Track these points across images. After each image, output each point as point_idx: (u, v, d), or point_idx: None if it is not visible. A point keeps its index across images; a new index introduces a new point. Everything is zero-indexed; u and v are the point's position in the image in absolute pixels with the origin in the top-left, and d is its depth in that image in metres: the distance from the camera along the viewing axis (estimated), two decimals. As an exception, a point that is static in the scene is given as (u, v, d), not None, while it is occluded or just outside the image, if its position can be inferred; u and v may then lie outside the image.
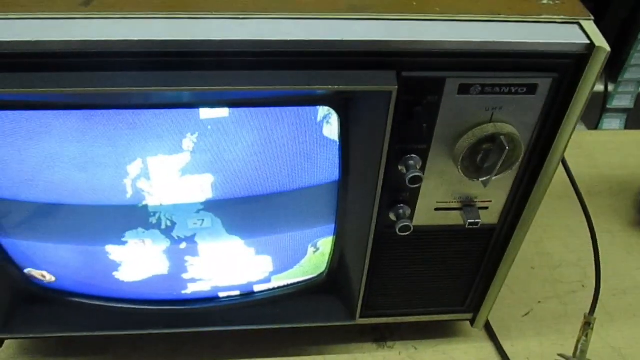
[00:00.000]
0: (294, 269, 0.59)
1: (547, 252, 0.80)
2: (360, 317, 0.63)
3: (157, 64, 0.41)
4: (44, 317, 0.61)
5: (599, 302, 0.61)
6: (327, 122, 0.47)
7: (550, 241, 0.81)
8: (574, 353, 0.62)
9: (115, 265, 0.55)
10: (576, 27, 0.43)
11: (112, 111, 0.43)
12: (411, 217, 0.52)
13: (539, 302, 0.74)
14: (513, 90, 0.44)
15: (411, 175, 0.46)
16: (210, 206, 0.50)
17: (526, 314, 0.73)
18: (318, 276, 0.61)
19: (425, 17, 0.43)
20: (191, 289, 0.59)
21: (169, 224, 0.51)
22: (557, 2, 0.45)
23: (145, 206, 0.49)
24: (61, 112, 0.43)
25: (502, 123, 0.45)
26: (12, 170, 0.46)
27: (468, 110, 0.45)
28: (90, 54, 0.40)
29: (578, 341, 0.62)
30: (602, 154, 0.95)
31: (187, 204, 0.50)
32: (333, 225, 0.55)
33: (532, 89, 0.44)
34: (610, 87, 1.08)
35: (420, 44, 0.41)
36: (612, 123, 1.11)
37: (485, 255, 0.58)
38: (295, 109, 0.46)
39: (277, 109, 0.45)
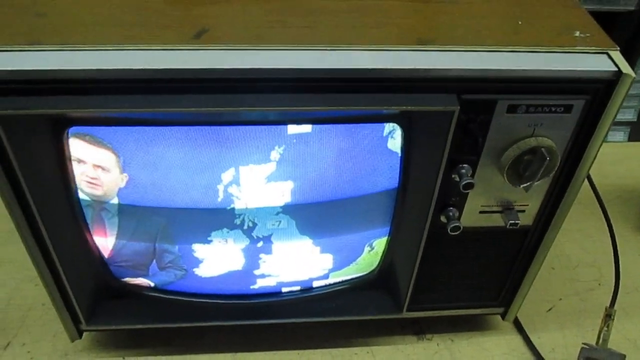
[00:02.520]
0: (350, 267, 0.67)
1: (566, 254, 0.88)
2: (407, 310, 0.70)
3: (252, 89, 0.49)
4: (123, 311, 0.68)
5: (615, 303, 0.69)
6: (392, 137, 0.55)
7: (568, 244, 0.89)
8: (597, 342, 0.69)
9: (197, 262, 0.62)
10: (605, 56, 0.52)
11: (214, 127, 0.51)
12: (459, 219, 0.60)
13: (560, 299, 0.82)
14: (552, 110, 0.52)
15: (465, 182, 0.54)
16: (287, 209, 0.58)
17: (549, 310, 0.80)
18: (370, 273, 0.69)
19: (479, 49, 0.51)
20: (259, 284, 0.66)
21: (250, 224, 0.58)
22: (588, 35, 0.53)
23: (233, 209, 0.57)
24: (175, 127, 0.50)
25: (542, 137, 0.53)
26: (130, 179, 0.53)
27: (514, 127, 0.53)
28: (203, 80, 0.48)
29: (600, 331, 0.69)
30: (610, 165, 1.04)
31: (269, 207, 0.57)
32: (388, 227, 0.63)
33: (568, 109, 0.52)
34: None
35: (477, 71, 0.50)
36: (616, 135, 1.19)
37: (520, 254, 0.65)
38: (365, 125, 0.53)
39: (351, 126, 0.53)
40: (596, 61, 0.51)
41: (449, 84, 0.50)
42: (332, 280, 0.68)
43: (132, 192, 0.55)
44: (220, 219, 0.58)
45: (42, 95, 0.46)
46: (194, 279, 0.64)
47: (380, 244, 0.65)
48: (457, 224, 0.58)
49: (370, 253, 0.66)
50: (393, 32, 0.53)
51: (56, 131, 0.50)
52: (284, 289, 0.68)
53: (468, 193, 0.58)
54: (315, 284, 0.68)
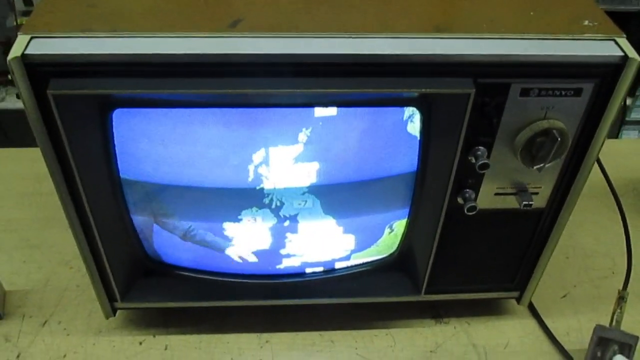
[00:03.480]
0: (371, 248, 0.70)
1: (580, 244, 0.90)
2: (425, 293, 0.73)
3: (284, 72, 0.53)
4: (156, 289, 0.72)
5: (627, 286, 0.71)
6: (411, 121, 0.59)
7: (582, 235, 0.92)
8: (610, 323, 0.72)
9: (227, 240, 0.66)
10: (612, 42, 0.55)
11: (246, 109, 0.55)
12: (475, 200, 0.63)
13: (575, 286, 0.84)
14: (563, 93, 0.55)
15: (480, 162, 0.58)
16: (313, 189, 0.62)
17: (564, 296, 0.83)
18: (389, 255, 0.72)
19: (494, 36, 0.54)
20: (284, 264, 0.70)
21: (278, 204, 0.62)
22: (595, 23, 0.57)
23: (262, 189, 0.61)
24: (211, 109, 0.55)
25: (554, 120, 0.57)
26: (167, 159, 0.58)
27: (527, 110, 0.56)
28: (238, 64, 0.52)
29: (613, 313, 0.72)
30: (624, 160, 1.06)
31: (295, 187, 0.61)
32: (408, 209, 0.67)
33: (578, 92, 0.55)
34: (629, 101, 1.19)
35: (492, 56, 0.53)
36: (630, 133, 1.22)
37: (534, 236, 0.68)
38: (387, 109, 0.57)
39: (373, 110, 0.57)
40: (604, 47, 0.54)
41: (465, 68, 0.53)
42: (353, 261, 0.72)
43: (169, 172, 0.59)
44: (250, 198, 0.62)
45: (93, 78, 0.51)
46: (224, 258, 0.68)
47: (399, 225, 0.68)
48: (473, 204, 0.62)
49: (390, 235, 0.69)
50: (413, 21, 0.57)
51: (103, 112, 0.55)
52: (308, 270, 0.72)
53: (484, 174, 0.61)
54: (338, 265, 0.72)
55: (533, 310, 0.80)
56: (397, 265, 0.73)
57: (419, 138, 0.60)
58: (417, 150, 0.61)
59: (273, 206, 0.63)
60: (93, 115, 0.55)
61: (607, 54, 0.54)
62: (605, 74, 0.55)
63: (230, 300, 0.72)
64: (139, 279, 0.72)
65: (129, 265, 0.70)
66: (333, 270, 0.72)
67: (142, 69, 0.51)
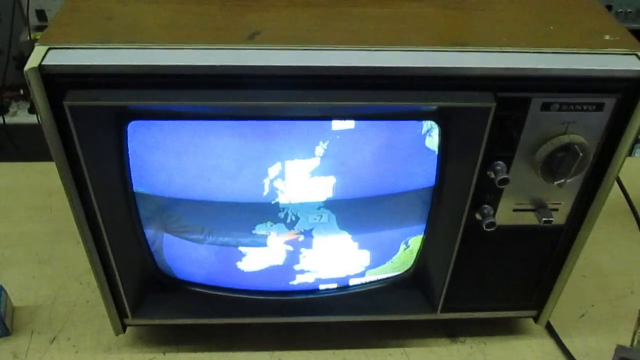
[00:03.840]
0: (386, 265, 0.69)
1: (597, 262, 0.89)
2: (441, 311, 0.72)
3: (301, 85, 0.52)
4: (167, 306, 0.71)
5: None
6: (429, 135, 0.58)
7: (598, 253, 0.90)
8: (631, 343, 0.70)
9: (240, 256, 0.65)
10: (634, 57, 0.54)
11: (263, 122, 0.55)
12: (493, 216, 0.62)
13: (592, 305, 0.82)
14: (585, 108, 0.54)
15: (500, 178, 0.57)
16: (329, 204, 0.61)
17: (582, 316, 0.81)
18: (405, 272, 0.71)
19: (513, 50, 0.54)
20: (298, 280, 0.69)
21: (293, 218, 0.61)
22: (617, 38, 0.56)
23: (277, 203, 0.60)
24: (225, 122, 0.54)
25: (575, 135, 0.56)
26: (181, 172, 0.57)
27: (547, 124, 0.55)
28: (256, 76, 0.51)
29: (634, 333, 0.70)
30: (636, 179, 1.05)
31: (311, 202, 0.60)
32: (424, 225, 0.65)
33: (600, 107, 0.54)
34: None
35: (512, 70, 0.53)
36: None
37: (553, 253, 0.67)
38: (405, 123, 0.57)
39: (391, 123, 0.56)
40: (626, 61, 0.54)
41: (485, 82, 0.53)
42: (368, 278, 0.70)
43: (183, 185, 0.58)
44: (265, 212, 0.61)
45: (109, 89, 0.50)
46: (236, 273, 0.67)
47: (415, 242, 0.67)
48: (492, 220, 0.60)
49: (406, 251, 0.68)
50: (431, 36, 0.56)
51: (118, 124, 0.54)
52: (321, 286, 0.70)
53: (502, 190, 0.60)
54: (352, 281, 0.71)
55: (551, 330, 0.78)
56: (413, 282, 0.72)
57: (437, 153, 0.59)
58: (435, 165, 0.60)
59: (288, 221, 0.62)
60: (108, 127, 0.54)
61: (630, 68, 0.53)
62: (627, 88, 0.54)
63: (242, 317, 0.71)
64: (150, 295, 0.71)
65: (140, 281, 0.69)
66: (347, 287, 0.71)
67: (159, 81, 0.51)
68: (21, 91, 1.80)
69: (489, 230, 0.61)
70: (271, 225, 0.62)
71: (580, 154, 0.55)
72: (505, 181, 0.57)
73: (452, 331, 0.78)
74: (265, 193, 0.59)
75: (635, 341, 0.70)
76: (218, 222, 0.62)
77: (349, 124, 0.55)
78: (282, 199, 0.60)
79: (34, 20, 1.53)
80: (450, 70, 0.52)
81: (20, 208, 0.96)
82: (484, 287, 0.70)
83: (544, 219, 0.61)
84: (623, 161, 0.59)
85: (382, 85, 0.53)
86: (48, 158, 0.55)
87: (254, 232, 0.62)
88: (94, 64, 0.49)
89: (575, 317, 0.81)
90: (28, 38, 1.47)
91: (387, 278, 0.71)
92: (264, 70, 0.51)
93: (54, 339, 0.76)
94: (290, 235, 0.63)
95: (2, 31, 1.65)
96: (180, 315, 0.71)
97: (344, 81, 0.52)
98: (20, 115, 1.81)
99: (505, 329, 0.78)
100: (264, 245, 0.64)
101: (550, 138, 0.56)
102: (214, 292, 0.70)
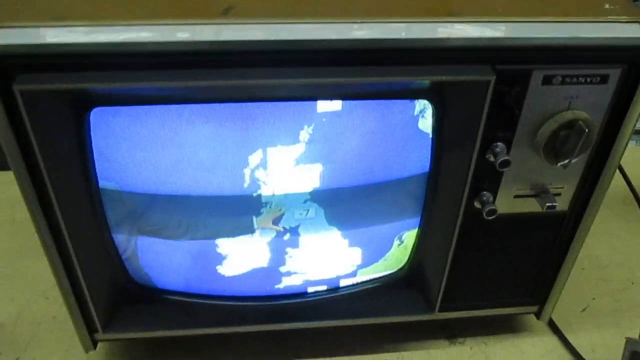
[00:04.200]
0: (379, 263, 0.64)
1: (596, 254, 0.85)
2: (439, 310, 0.67)
3: (281, 62, 0.47)
4: (141, 318, 0.65)
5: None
6: (422, 116, 0.53)
7: (597, 245, 0.86)
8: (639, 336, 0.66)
9: (220, 259, 0.59)
10: (638, 25, 0.51)
11: (241, 104, 0.49)
12: (493, 204, 0.57)
13: (594, 298, 0.78)
14: (588, 80, 0.50)
15: (501, 160, 0.52)
16: (316, 196, 0.55)
17: (583, 310, 0.77)
18: (399, 270, 0.66)
19: (510, 20, 0.50)
20: (284, 283, 0.63)
21: (277, 214, 0.56)
22: (617, 7, 0.53)
23: (259, 196, 0.54)
24: (199, 105, 0.49)
25: (579, 111, 0.52)
26: (152, 164, 0.51)
27: (549, 100, 0.51)
28: (230, 53, 0.46)
29: (643, 325, 0.66)
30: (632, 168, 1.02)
31: (296, 193, 0.55)
32: (419, 218, 0.61)
33: (604, 79, 0.51)
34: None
35: (510, 40, 0.48)
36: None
37: (555, 242, 0.63)
38: (395, 103, 0.52)
39: (381, 103, 0.52)
40: (630, 29, 0.50)
41: (482, 53, 0.48)
42: (360, 278, 0.65)
43: (154, 179, 0.53)
44: (246, 207, 0.55)
45: (67, 72, 0.45)
46: (217, 278, 0.61)
47: (410, 236, 0.62)
48: (492, 208, 0.56)
49: (400, 247, 0.63)
50: (424, 6, 0.52)
51: (79, 112, 0.48)
52: (310, 289, 0.65)
53: (502, 175, 0.56)
54: (343, 282, 0.65)
55: (553, 326, 0.74)
56: (408, 282, 0.67)
57: (431, 135, 0.55)
58: (430, 149, 0.55)
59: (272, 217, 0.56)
60: (67, 116, 0.48)
61: (635, 36, 0.49)
62: (633, 58, 0.50)
63: (226, 327, 0.65)
64: (122, 307, 0.64)
65: (112, 292, 0.63)
66: (337, 288, 0.66)
67: (124, 60, 0.45)
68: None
69: (489, 218, 0.56)
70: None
71: (586, 130, 0.51)
72: (506, 163, 0.53)
73: (451, 332, 0.73)
74: (246, 185, 0.53)
75: (645, 333, 0.66)
76: (196, 219, 0.56)
77: (336, 105, 0.51)
78: (265, 191, 0.54)
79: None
80: (445, 42, 0.48)
81: (-21, 221, 0.89)
82: (484, 282, 0.66)
83: (547, 204, 0.57)
84: (628, 140, 0.55)
85: (369, 60, 0.48)
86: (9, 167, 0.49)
87: (235, 229, 0.57)
88: (48, 43, 0.44)
89: (576, 312, 0.77)
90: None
91: (380, 277, 0.66)
92: (240, 45, 0.46)
93: (17, 359, 0.69)
94: (273, 228, 0.57)
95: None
96: (157, 328, 0.64)
97: (328, 56, 0.47)
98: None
99: (506, 327, 0.74)
100: (247, 241, 0.58)
101: (553, 115, 0.52)
102: (193, 300, 0.64)
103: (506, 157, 0.52)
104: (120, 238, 0.58)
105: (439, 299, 0.66)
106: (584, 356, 0.70)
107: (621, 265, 0.84)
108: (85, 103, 0.48)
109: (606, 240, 0.87)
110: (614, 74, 0.50)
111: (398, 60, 0.48)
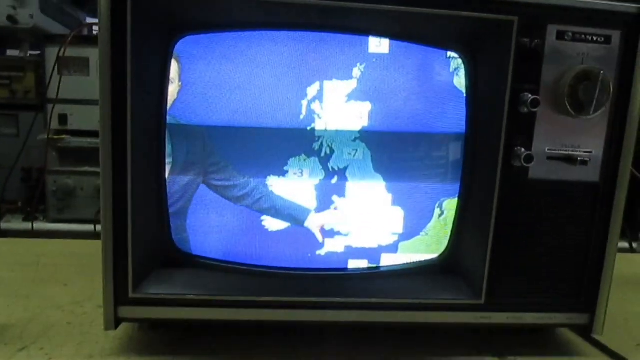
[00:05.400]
0: (420, 237, 0.64)
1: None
2: (486, 296, 0.63)
3: None
4: (176, 281, 0.62)
5: None
6: (457, 74, 0.62)
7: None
8: None
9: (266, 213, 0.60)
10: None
11: (304, 33, 0.58)
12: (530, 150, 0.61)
13: (646, 340, 0.73)
14: (595, 39, 0.60)
15: (531, 99, 0.59)
16: (364, 135, 0.60)
17: (638, 344, 0.71)
18: (440, 256, 0.65)
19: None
20: (326, 248, 0.62)
21: (328, 151, 0.60)
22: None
23: (313, 129, 0.59)
24: (268, 32, 0.58)
25: (591, 65, 0.60)
26: (223, 86, 0.58)
27: (565, 54, 0.60)
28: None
29: None
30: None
31: (347, 130, 0.60)
32: (458, 186, 0.63)
33: (608, 40, 0.60)
34: None
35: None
36: None
37: (594, 219, 0.63)
38: (434, 54, 0.61)
39: (423, 51, 0.60)
40: (623, -1, 0.62)
41: (507, 7, 0.59)
42: (400, 256, 0.64)
43: (222, 108, 0.58)
44: (299, 142, 0.59)
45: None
46: (260, 236, 0.61)
47: (450, 207, 0.64)
48: (529, 153, 0.60)
49: (440, 220, 0.64)
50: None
51: (170, 39, 0.57)
52: (351, 263, 0.63)
53: (534, 129, 0.61)
54: (384, 259, 0.64)
55: (610, 352, 0.68)
56: (450, 271, 0.65)
57: (465, 94, 0.62)
58: (465, 108, 0.62)
59: (322, 154, 0.60)
60: (161, 41, 0.57)
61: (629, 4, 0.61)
62: (629, 23, 0.61)
63: (259, 296, 0.61)
64: (152, 272, 0.62)
65: (148, 251, 0.61)
66: (378, 267, 0.64)
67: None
68: (19, 204, 1.80)
69: (527, 165, 0.60)
70: (304, 160, 0.60)
71: (601, 76, 0.59)
72: (536, 102, 0.59)
73: (497, 351, 0.67)
74: (302, 116, 0.59)
75: None
76: (252, 156, 0.59)
77: (384, 48, 0.59)
78: (319, 125, 0.59)
79: (55, 124, 1.60)
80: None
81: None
82: (528, 268, 0.64)
83: (579, 158, 0.61)
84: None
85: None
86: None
87: (285, 168, 0.60)
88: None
89: (632, 345, 0.71)
90: (46, 137, 1.52)
91: (421, 261, 0.64)
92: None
93: (24, 348, 0.63)
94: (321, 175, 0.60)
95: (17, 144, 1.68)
96: (189, 291, 0.61)
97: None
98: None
99: (556, 348, 0.68)
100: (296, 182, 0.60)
101: (570, 69, 0.60)
102: (228, 265, 0.62)
103: (535, 97, 0.59)
104: (180, 184, 0.60)
105: (485, 285, 0.63)
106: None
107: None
108: (176, 30, 0.57)
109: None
110: (616, 35, 0.61)
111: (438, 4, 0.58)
